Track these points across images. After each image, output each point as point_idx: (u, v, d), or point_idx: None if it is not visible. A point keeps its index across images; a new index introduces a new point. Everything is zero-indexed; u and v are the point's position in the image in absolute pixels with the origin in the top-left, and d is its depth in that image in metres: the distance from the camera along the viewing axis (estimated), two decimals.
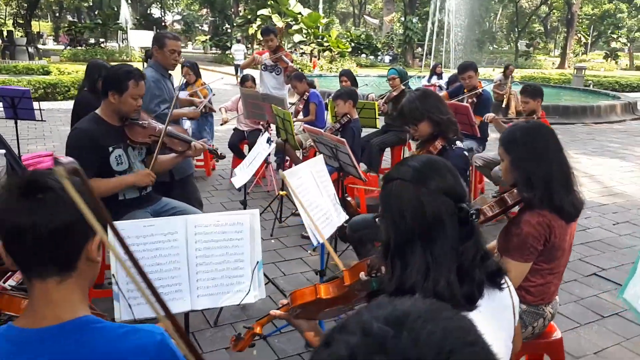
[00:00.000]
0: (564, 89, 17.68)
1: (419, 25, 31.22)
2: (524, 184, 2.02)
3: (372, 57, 32.44)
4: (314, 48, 26.09)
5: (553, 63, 37.47)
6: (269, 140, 3.57)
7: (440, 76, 12.73)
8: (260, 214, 2.25)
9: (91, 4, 40.25)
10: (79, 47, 28.56)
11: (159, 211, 3.15)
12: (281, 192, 4.76)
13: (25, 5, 29.83)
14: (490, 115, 4.98)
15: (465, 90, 5.31)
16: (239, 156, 6.11)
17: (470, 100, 5.12)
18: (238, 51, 20.36)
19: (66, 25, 34.01)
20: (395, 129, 5.89)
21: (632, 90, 20.01)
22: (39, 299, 1.10)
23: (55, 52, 26.82)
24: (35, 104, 5.22)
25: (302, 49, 26.00)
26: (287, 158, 5.85)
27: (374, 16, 50.02)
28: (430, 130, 2.81)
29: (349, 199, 3.77)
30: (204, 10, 45.70)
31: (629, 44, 41.42)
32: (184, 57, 4.48)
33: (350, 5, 52.98)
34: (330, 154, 3.56)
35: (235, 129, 6.34)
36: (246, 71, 7.19)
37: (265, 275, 2.83)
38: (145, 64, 14.52)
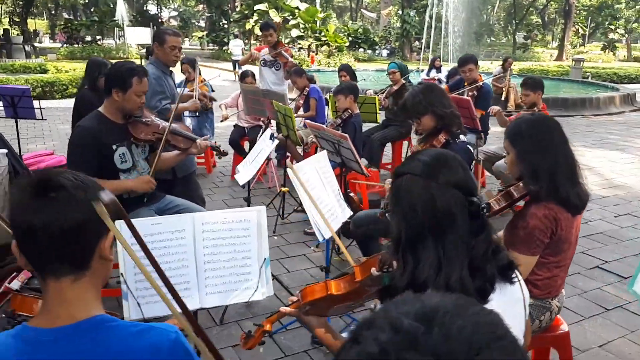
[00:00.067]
0: (563, 81, 17.67)
1: (417, 18, 31.12)
2: (530, 176, 2.02)
3: (369, 51, 32.38)
4: (312, 43, 26.03)
5: (551, 55, 37.43)
6: (272, 137, 3.56)
7: (439, 70, 12.72)
8: None
9: (87, 1, 40.07)
10: (76, 45, 28.45)
11: (163, 209, 3.15)
12: (283, 189, 4.75)
13: (21, 3, 29.68)
14: (495, 108, 4.99)
15: (465, 84, 5.30)
16: (240, 153, 6.10)
17: (470, 93, 5.11)
18: (236, 47, 20.29)
19: (62, 22, 33.88)
20: (396, 124, 5.88)
21: (631, 81, 20.00)
22: (53, 298, 1.10)
23: (52, 50, 26.73)
24: (35, 103, 5.21)
25: (299, 44, 25.93)
26: (288, 154, 5.84)
27: (371, 10, 49.87)
28: (433, 124, 2.81)
29: (351, 194, 3.76)
30: (201, 6, 45.53)
31: (626, 35, 41.34)
32: (183, 54, 4.45)
33: None
34: (332, 149, 3.55)
35: (235, 126, 6.32)
36: (246, 67, 7.18)
37: None
38: (143, 61, 14.46)
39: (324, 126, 3.91)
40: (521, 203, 2.21)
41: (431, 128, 2.83)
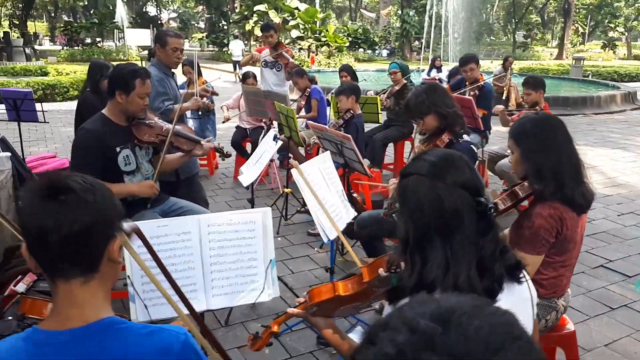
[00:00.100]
0: (563, 80, 17.66)
1: (416, 18, 31.13)
2: (535, 176, 2.02)
3: (369, 51, 32.38)
4: (312, 43, 26.04)
5: (551, 54, 37.42)
6: (275, 138, 3.56)
7: (439, 69, 12.72)
8: None
9: (86, 3, 40.10)
10: (76, 47, 28.48)
11: (167, 211, 3.15)
12: (286, 190, 4.75)
13: (21, 5, 29.70)
14: (500, 107, 5.00)
15: (467, 83, 5.30)
16: (242, 154, 6.10)
17: (472, 93, 5.11)
18: (236, 48, 20.29)
19: (62, 25, 33.90)
20: (398, 124, 5.88)
21: (631, 79, 19.98)
22: (63, 301, 1.10)
23: (52, 53, 26.75)
24: (38, 106, 5.21)
25: (299, 44, 25.94)
26: (290, 155, 5.84)
27: (371, 10, 49.89)
28: (436, 123, 2.81)
29: (354, 195, 3.76)
30: (200, 8, 45.54)
31: (626, 33, 41.30)
32: (185, 55, 4.44)
33: None
34: (335, 150, 3.55)
35: (237, 127, 6.33)
36: (247, 68, 7.18)
37: None
38: (143, 62, 14.47)
39: (327, 127, 3.91)
40: (525, 202, 2.21)
41: (434, 128, 2.82)
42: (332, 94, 6.42)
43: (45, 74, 16.16)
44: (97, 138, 2.80)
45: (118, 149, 2.89)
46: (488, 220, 1.27)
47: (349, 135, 3.35)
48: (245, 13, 28.77)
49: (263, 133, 5.66)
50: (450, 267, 1.23)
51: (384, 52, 34.16)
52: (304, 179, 2.05)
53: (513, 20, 40.17)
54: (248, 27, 27.68)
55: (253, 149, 6.09)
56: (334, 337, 1.49)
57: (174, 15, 51.72)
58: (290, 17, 26.20)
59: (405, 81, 5.82)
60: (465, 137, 2.87)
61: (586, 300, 3.50)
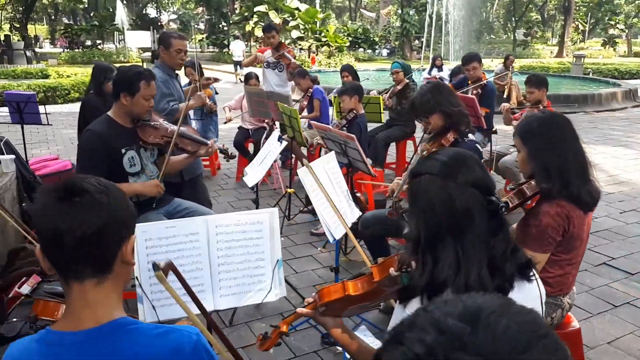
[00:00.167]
0: (564, 78, 17.64)
1: (416, 17, 31.11)
2: (542, 174, 2.03)
3: (369, 51, 32.37)
4: (312, 44, 26.04)
5: (551, 52, 37.37)
6: (280, 139, 3.57)
7: (440, 68, 12.73)
8: None
9: (86, 5, 40.09)
10: (77, 50, 28.50)
11: (171, 212, 3.16)
12: (289, 190, 4.76)
13: (21, 8, 29.72)
14: (506, 105, 5.02)
15: (469, 82, 5.31)
16: (244, 155, 6.12)
17: (475, 91, 5.12)
18: (237, 48, 20.30)
19: (62, 28, 33.91)
20: (400, 124, 5.90)
21: (632, 77, 19.95)
22: (76, 302, 1.11)
23: (53, 55, 26.75)
24: (41, 108, 5.22)
25: (300, 45, 25.94)
26: (292, 155, 5.85)
27: (370, 9, 49.87)
28: (442, 122, 2.81)
29: (358, 194, 3.77)
30: (200, 9, 45.54)
31: (626, 31, 41.24)
32: (188, 57, 4.44)
33: None
34: (339, 150, 3.56)
35: (239, 128, 6.34)
36: (249, 69, 7.18)
37: None
38: (145, 64, 14.49)
39: (330, 127, 3.92)
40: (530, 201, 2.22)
41: (440, 127, 2.83)
42: (334, 94, 6.43)
43: (46, 76, 16.17)
44: (102, 140, 2.82)
45: (123, 151, 2.90)
46: (499, 219, 1.27)
47: (353, 135, 3.36)
48: (246, 14, 28.77)
49: (265, 133, 5.68)
50: (462, 266, 1.23)
51: (384, 52, 34.13)
52: (315, 177, 2.06)
53: (513, 19, 40.15)
54: (248, 28, 27.69)
55: (255, 150, 6.10)
56: (343, 336, 1.50)
57: (174, 16, 51.71)
58: (291, 18, 26.20)
59: (407, 81, 5.83)
60: (470, 136, 2.88)
61: (589, 298, 3.50)
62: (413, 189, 1.33)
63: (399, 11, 34.05)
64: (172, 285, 1.21)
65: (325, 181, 2.49)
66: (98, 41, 32.05)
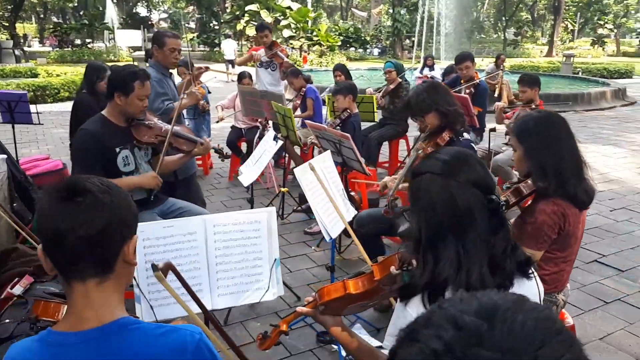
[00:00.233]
0: (554, 77, 17.76)
1: (407, 16, 31.19)
2: (538, 173, 2.05)
3: (361, 50, 32.41)
4: (304, 43, 26.02)
5: (541, 51, 37.62)
6: (275, 138, 3.57)
7: (432, 68, 12.78)
8: None
9: (76, 4, 39.78)
10: (66, 49, 28.25)
11: (166, 212, 3.15)
12: (282, 189, 4.76)
13: (10, 7, 29.42)
14: (500, 104, 5.06)
15: (462, 81, 5.34)
16: (237, 154, 6.10)
17: (467, 91, 5.15)
18: (228, 47, 20.22)
19: (51, 26, 33.61)
20: (393, 123, 5.91)
21: (620, 76, 20.16)
22: (78, 302, 1.11)
23: (42, 54, 26.52)
24: (32, 107, 5.18)
25: (291, 44, 25.91)
26: (285, 154, 5.85)
27: (362, 9, 49.90)
28: (437, 122, 2.82)
29: (352, 193, 3.78)
30: (191, 8, 45.34)
31: (615, 30, 41.64)
32: (183, 56, 4.41)
33: None
34: (333, 149, 3.57)
35: (232, 127, 6.33)
36: (242, 68, 7.17)
37: None
38: (135, 63, 14.39)
39: (325, 126, 3.92)
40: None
41: (435, 126, 2.84)
42: (327, 93, 6.44)
43: (35, 75, 16.02)
44: (96, 139, 2.80)
45: (117, 150, 2.89)
46: (499, 217, 1.28)
47: (348, 135, 3.36)
48: (237, 13, 28.69)
49: (258, 133, 5.67)
50: (463, 265, 1.24)
51: (376, 51, 34.20)
52: (317, 177, 2.06)
53: (503, 18, 40.36)
54: (239, 27, 27.60)
55: (248, 149, 6.10)
56: (343, 334, 1.51)
57: (164, 15, 51.45)
58: (282, 17, 26.16)
59: (400, 80, 5.85)
60: (465, 135, 2.90)
61: (581, 295, 3.54)
62: (414, 188, 1.33)
63: (390, 10, 34.09)
64: (171, 285, 1.21)
65: (321, 180, 2.49)
66: (88, 40, 31.78)
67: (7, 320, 2.09)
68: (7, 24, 30.12)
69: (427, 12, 24.11)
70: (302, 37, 26.28)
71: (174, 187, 3.61)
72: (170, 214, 3.15)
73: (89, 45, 30.59)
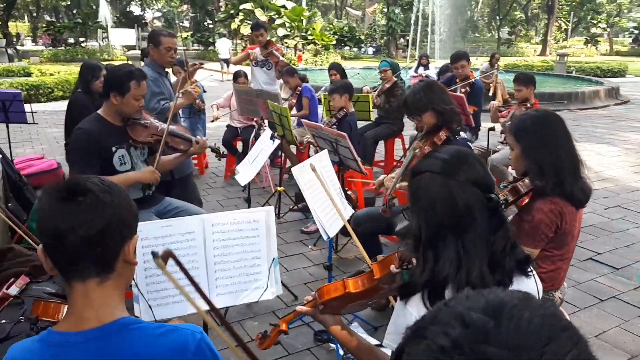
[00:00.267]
0: (548, 76, 17.83)
1: (402, 15, 31.25)
2: (536, 172, 2.06)
3: (355, 49, 32.43)
4: (298, 42, 26.01)
5: (535, 50, 37.78)
6: (272, 137, 3.56)
7: (426, 67, 12.79)
8: None
9: (69, 3, 39.58)
10: (60, 48, 28.10)
11: (162, 211, 3.15)
12: (279, 188, 4.76)
13: (2, 6, 29.22)
14: (495, 103, 5.08)
15: (457, 80, 5.35)
16: (233, 153, 6.09)
17: (463, 90, 5.16)
18: (222, 46, 20.18)
19: (44, 25, 33.42)
20: (388, 122, 5.93)
21: (614, 75, 20.29)
22: (78, 302, 1.11)
23: (35, 53, 26.36)
24: (26, 107, 5.15)
25: (286, 43, 25.90)
26: (281, 153, 5.85)
27: (356, 8, 49.95)
28: (434, 121, 2.83)
29: (349, 192, 3.79)
30: (185, 6, 45.21)
31: (608, 29, 41.90)
32: (179, 54, 4.39)
33: None
34: (330, 148, 3.57)
35: (228, 126, 6.31)
36: (237, 67, 7.15)
37: None
38: (129, 62, 14.33)
39: (322, 125, 3.92)
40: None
41: (432, 125, 2.84)
42: (323, 92, 6.43)
43: (29, 74, 15.92)
44: (92, 138, 2.79)
45: (114, 149, 2.88)
46: (499, 216, 1.29)
47: (345, 134, 3.37)
48: (231, 12, 28.63)
49: (254, 132, 5.67)
50: (463, 263, 1.24)
51: (370, 50, 34.24)
52: (317, 176, 2.06)
53: (497, 17, 40.49)
54: (234, 25, 27.57)
55: (244, 148, 6.09)
56: (343, 333, 1.51)
57: (158, 14, 51.23)
58: (277, 16, 26.14)
59: (395, 79, 5.86)
60: (462, 134, 2.91)
61: (576, 293, 3.56)
62: (414, 187, 1.34)
63: (385, 9, 34.15)
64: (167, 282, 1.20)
65: (322, 179, 2.50)
66: (81, 39, 31.62)
67: (4, 321, 2.08)
68: (0, 23, 29.92)
69: (422, 11, 24.17)
70: (297, 36, 26.27)
71: (170, 187, 3.60)
72: (167, 213, 3.14)
73: (82, 44, 30.44)
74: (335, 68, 6.28)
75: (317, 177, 2.07)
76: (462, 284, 1.21)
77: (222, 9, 32.24)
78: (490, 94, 8.59)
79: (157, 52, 3.77)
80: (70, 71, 14.91)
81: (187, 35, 37.81)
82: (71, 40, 30.87)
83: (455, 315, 0.57)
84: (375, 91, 5.98)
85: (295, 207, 4.92)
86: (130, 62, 13.15)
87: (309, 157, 4.37)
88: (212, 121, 6.34)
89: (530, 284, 1.35)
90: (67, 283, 1.11)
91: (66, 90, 12.69)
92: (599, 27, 40.65)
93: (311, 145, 4.85)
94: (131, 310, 1.88)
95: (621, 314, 3.30)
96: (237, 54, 20.09)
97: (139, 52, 15.12)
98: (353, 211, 2.98)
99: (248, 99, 5.32)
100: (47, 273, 2.57)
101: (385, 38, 32.90)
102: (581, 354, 0.55)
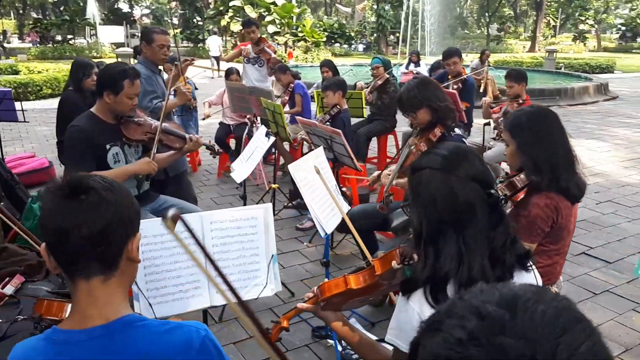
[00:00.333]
0: (537, 72, 17.95)
1: (391, 12, 31.29)
2: (531, 168, 2.07)
3: (346, 46, 32.43)
4: (289, 39, 25.95)
5: (524, 47, 38.02)
6: (267, 134, 3.56)
7: (417, 64, 12.84)
8: None
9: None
10: (47, 45, 27.81)
11: (157, 209, 3.13)
12: (273, 185, 4.75)
13: None
14: (487, 100, 5.10)
15: (449, 77, 5.37)
16: (226, 151, 6.07)
17: (455, 86, 5.18)
18: (213, 43, 20.10)
19: (31, 22, 33.06)
20: (381, 118, 5.93)
21: (602, 71, 20.47)
22: (82, 300, 1.10)
23: (22, 51, 26.09)
24: (17, 105, 5.10)
25: (276, 40, 25.83)
26: (274, 151, 5.83)
27: (346, 4, 49.90)
28: (429, 117, 2.83)
29: (344, 189, 3.79)
30: (173, 3, 44.89)
31: (596, 26, 42.26)
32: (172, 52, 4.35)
33: None
34: (325, 145, 3.57)
35: (220, 123, 6.29)
36: (229, 64, 7.12)
37: None
38: (119, 60, 14.22)
39: (316, 122, 3.92)
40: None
41: (427, 122, 2.85)
42: (315, 88, 6.42)
43: (16, 72, 15.75)
44: (86, 135, 2.77)
45: (107, 147, 2.86)
46: (499, 212, 1.30)
47: (339, 130, 3.37)
48: (221, 9, 28.49)
49: (247, 129, 5.65)
50: (464, 259, 1.25)
51: (360, 47, 34.25)
52: (320, 175, 2.06)
53: (487, 14, 40.67)
54: (223, 22, 27.44)
55: (237, 145, 6.07)
56: (344, 329, 1.52)
57: (146, 11, 50.86)
58: (267, 13, 26.04)
59: (387, 76, 5.86)
60: (457, 130, 2.92)
61: (570, 287, 3.60)
62: (414, 183, 1.34)
63: (375, 6, 34.17)
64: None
65: (315, 176, 2.50)
66: (69, 36, 31.30)
67: (0, 320, 2.06)
68: None
69: (412, 7, 24.21)
70: (287, 33, 26.21)
71: (164, 185, 3.59)
72: (162, 211, 3.12)
73: (70, 42, 30.14)
74: (327, 65, 6.27)
75: (319, 176, 2.07)
76: (464, 279, 1.22)
77: (212, 6, 32.05)
78: (481, 90, 8.63)
79: (150, 49, 3.74)
80: (58, 69, 14.76)
81: (176, 33, 37.54)
82: (59, 38, 30.57)
83: (470, 308, 0.58)
84: (368, 87, 5.98)
85: (290, 204, 4.92)
86: (119, 60, 13.07)
87: (302, 154, 4.38)
88: (203, 119, 6.31)
89: (530, 279, 1.37)
90: (70, 281, 1.10)
91: (55, 88, 12.57)
92: (587, 23, 40.99)
93: (305, 142, 4.85)
94: (131, 308, 1.87)
95: (615, 308, 3.33)
96: (227, 51, 20.01)
97: (129, 49, 14.97)
98: (349, 208, 2.98)
99: (241, 96, 5.30)
100: (42, 272, 2.56)
101: (375, 35, 32.93)
102: (595, 345, 0.56)
